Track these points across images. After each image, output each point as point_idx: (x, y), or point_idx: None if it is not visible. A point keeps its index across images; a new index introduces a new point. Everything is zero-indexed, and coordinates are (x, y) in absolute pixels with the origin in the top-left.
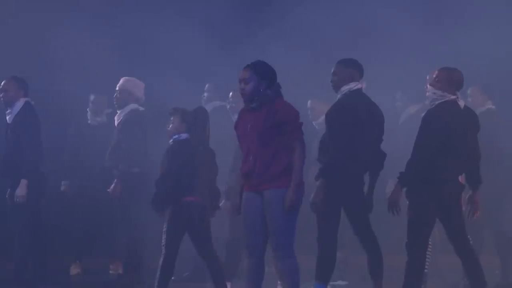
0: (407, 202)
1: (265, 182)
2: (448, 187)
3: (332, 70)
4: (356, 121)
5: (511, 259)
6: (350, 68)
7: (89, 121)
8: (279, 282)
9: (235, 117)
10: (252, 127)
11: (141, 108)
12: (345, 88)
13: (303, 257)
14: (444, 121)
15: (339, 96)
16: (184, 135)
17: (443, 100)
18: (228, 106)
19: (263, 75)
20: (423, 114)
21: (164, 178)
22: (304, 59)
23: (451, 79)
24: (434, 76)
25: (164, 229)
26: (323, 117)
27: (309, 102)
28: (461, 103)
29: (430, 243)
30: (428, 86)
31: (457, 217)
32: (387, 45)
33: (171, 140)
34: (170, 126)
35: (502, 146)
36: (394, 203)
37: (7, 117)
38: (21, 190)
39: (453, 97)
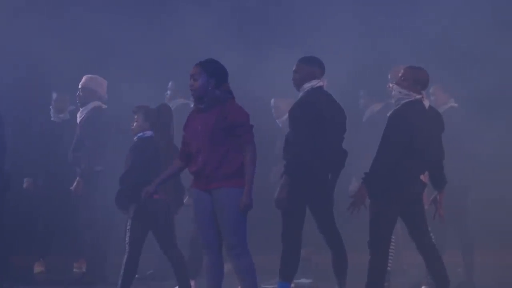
0: (370, 200)
1: (216, 181)
2: (410, 186)
3: (293, 68)
4: (319, 118)
5: (474, 258)
6: (311, 66)
7: (52, 118)
8: None
9: None
10: (202, 128)
11: (104, 106)
12: (307, 86)
13: (267, 256)
14: (409, 121)
15: (301, 93)
16: (148, 133)
17: (408, 100)
18: (191, 104)
19: (212, 73)
20: (388, 113)
21: (128, 175)
22: (257, 56)
23: (417, 78)
24: (400, 75)
25: (128, 227)
26: (286, 115)
27: (272, 100)
28: (426, 103)
29: (393, 241)
30: (394, 85)
31: (419, 216)
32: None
33: (135, 138)
34: (134, 124)
35: (466, 144)
36: (360, 202)
37: None
38: None
39: (418, 96)
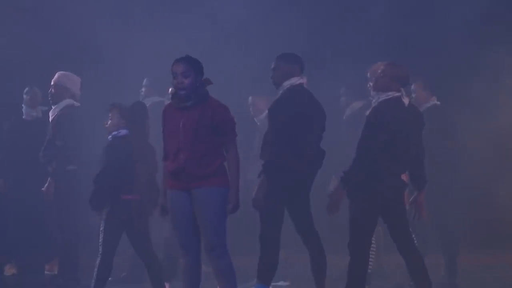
0: (349, 200)
1: (196, 180)
2: (390, 185)
3: (272, 66)
4: (298, 117)
5: (456, 259)
6: (291, 63)
7: (24, 116)
8: None
9: None
10: (185, 125)
11: (77, 104)
12: (286, 83)
13: (244, 258)
14: (388, 120)
15: (280, 91)
16: (123, 131)
17: (387, 98)
18: (166, 102)
19: (198, 70)
20: (367, 112)
21: (103, 175)
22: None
23: (396, 75)
24: (379, 71)
25: (101, 228)
26: (264, 113)
27: (250, 98)
28: (406, 100)
29: (373, 242)
30: (371, 83)
31: (400, 216)
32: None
33: (110, 136)
34: (109, 122)
35: (449, 143)
36: (335, 202)
37: None
38: None
39: (397, 94)
